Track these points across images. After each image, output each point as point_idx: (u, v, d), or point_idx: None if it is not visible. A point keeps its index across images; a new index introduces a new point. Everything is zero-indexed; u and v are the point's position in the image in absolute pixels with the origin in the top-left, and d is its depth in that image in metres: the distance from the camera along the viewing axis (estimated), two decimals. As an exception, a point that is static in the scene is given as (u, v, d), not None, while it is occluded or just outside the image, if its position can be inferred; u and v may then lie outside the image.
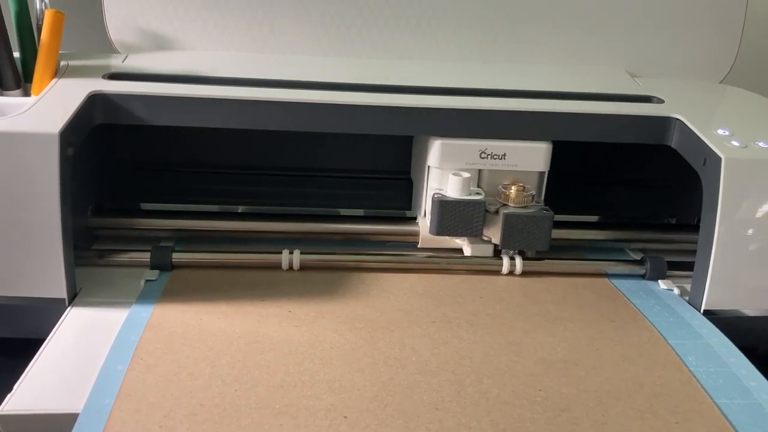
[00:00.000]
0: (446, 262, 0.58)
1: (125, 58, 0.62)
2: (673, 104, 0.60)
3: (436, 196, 0.56)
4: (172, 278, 0.54)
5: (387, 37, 0.67)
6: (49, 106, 0.51)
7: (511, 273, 0.58)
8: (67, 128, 0.48)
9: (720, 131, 0.55)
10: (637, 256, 0.63)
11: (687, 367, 0.46)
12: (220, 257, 0.56)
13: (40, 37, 0.57)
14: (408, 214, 0.66)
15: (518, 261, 0.58)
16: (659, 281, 0.59)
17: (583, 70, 0.68)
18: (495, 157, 0.57)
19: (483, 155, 0.57)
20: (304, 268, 0.57)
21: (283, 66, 0.63)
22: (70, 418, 0.38)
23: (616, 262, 0.60)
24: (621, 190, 0.72)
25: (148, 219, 0.61)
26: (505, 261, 0.58)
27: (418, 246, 0.61)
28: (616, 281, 0.58)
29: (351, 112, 0.55)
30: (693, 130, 0.55)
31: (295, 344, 0.46)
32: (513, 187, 0.56)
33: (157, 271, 0.55)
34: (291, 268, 0.56)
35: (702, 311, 0.53)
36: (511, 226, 0.56)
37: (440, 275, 0.57)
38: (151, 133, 0.60)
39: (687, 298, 0.56)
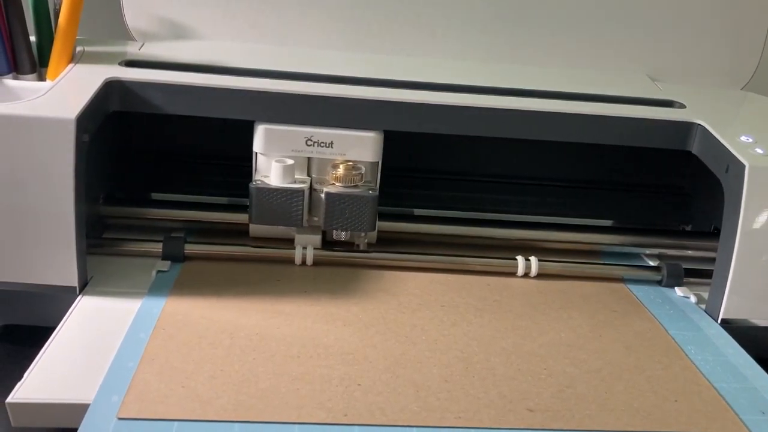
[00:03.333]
0: (460, 262, 0.57)
1: (142, 46, 0.62)
2: (696, 110, 0.59)
3: (254, 183, 0.54)
4: (184, 269, 0.54)
5: (406, 33, 0.66)
6: (65, 92, 0.51)
7: (526, 275, 0.57)
8: (83, 114, 0.47)
9: (743, 138, 0.54)
10: (654, 262, 0.62)
11: (686, 354, 0.48)
12: (233, 250, 0.56)
13: (56, 21, 0.56)
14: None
15: (534, 262, 0.57)
16: (676, 288, 0.58)
17: (604, 72, 0.67)
18: (322, 144, 0.55)
19: (309, 143, 0.55)
20: (317, 263, 0.56)
21: (300, 58, 0.63)
22: (81, 408, 0.38)
23: (632, 268, 0.59)
24: (635, 196, 0.71)
25: (159, 209, 0.60)
26: (521, 262, 0.57)
27: (250, 235, 0.59)
28: (631, 286, 0.58)
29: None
30: (716, 136, 0.55)
31: (310, 320, 0.48)
32: (341, 166, 0.55)
33: (168, 262, 0.54)
34: (304, 263, 0.56)
35: (719, 320, 0.53)
36: (333, 205, 0.54)
37: (451, 274, 0.57)
38: (162, 121, 0.60)
39: (704, 306, 0.55)
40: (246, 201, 0.66)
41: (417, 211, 0.66)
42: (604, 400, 0.43)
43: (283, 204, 0.54)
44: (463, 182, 0.69)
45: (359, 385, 0.42)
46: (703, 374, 0.46)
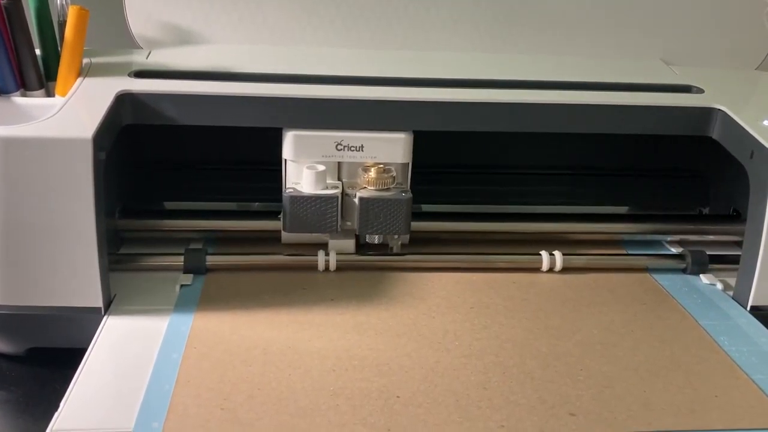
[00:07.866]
0: (485, 261, 0.57)
1: (149, 54, 0.60)
2: (714, 94, 0.58)
3: (287, 191, 0.54)
4: (207, 282, 0.53)
5: (419, 29, 0.65)
6: (78, 109, 0.49)
7: (550, 270, 0.57)
8: (99, 131, 0.46)
9: (767, 123, 0.53)
10: (676, 249, 0.62)
11: (720, 346, 0.48)
12: (256, 259, 0.55)
13: (60, 33, 0.55)
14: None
15: (558, 257, 0.57)
16: (701, 276, 0.57)
17: (619, 59, 0.66)
18: (352, 148, 0.54)
19: (339, 147, 0.54)
20: (341, 268, 0.55)
21: (312, 59, 0.62)
22: (121, 438, 0.37)
23: (656, 257, 0.59)
24: (650, 180, 0.71)
25: (175, 220, 0.59)
26: (545, 258, 0.57)
27: (282, 242, 0.58)
28: (656, 276, 0.57)
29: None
30: (738, 121, 0.54)
31: (341, 331, 0.48)
32: (373, 169, 0.54)
33: (191, 275, 0.53)
34: (327, 269, 0.55)
35: (749, 308, 0.52)
36: (368, 210, 0.53)
37: (476, 272, 0.56)
38: (172, 130, 0.59)
39: (731, 293, 0.55)
40: (258, 205, 0.66)
41: (427, 207, 0.65)
42: (644, 399, 0.42)
43: (318, 211, 0.53)
44: (472, 175, 0.68)
45: (398, 397, 0.41)
46: (739, 366, 0.46)
